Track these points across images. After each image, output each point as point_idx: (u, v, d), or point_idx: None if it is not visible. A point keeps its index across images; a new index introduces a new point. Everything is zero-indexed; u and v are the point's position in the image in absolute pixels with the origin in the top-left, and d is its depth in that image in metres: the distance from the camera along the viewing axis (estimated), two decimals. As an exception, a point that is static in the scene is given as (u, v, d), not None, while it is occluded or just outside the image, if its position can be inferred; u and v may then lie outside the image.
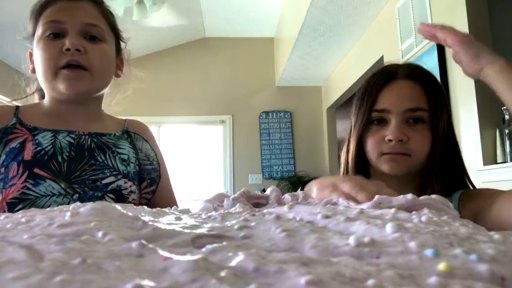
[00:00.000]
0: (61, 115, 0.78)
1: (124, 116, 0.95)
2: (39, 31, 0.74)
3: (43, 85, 0.77)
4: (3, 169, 0.70)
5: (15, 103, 0.85)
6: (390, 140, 0.71)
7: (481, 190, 0.73)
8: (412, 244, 0.14)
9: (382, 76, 0.78)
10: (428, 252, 0.14)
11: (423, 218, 0.18)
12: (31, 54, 0.79)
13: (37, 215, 0.22)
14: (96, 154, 0.76)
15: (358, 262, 0.14)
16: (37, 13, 0.76)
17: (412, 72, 0.77)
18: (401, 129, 0.71)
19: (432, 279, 0.12)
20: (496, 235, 0.16)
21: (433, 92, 0.75)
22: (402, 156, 0.71)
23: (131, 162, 0.80)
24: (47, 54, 0.72)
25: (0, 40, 4.12)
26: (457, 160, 0.77)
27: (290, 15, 3.79)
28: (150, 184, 0.83)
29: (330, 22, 3.16)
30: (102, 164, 0.76)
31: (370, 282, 0.12)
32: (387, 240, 0.15)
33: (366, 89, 0.79)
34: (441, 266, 0.13)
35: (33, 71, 0.79)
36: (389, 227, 0.16)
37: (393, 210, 0.20)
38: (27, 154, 0.71)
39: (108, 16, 0.81)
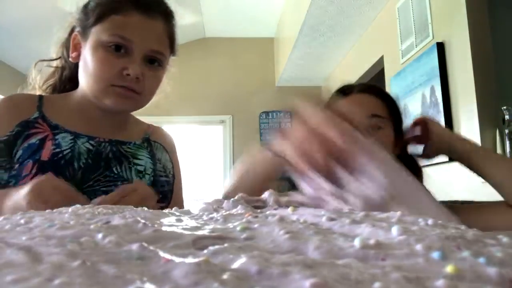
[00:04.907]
0: (87, 117, 0.76)
1: None
2: (102, 35, 0.69)
3: (86, 87, 0.73)
4: (17, 165, 0.67)
5: (38, 92, 0.81)
6: None
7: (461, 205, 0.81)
8: (419, 247, 0.14)
9: (339, 92, 0.87)
10: (435, 254, 0.13)
11: (430, 222, 0.17)
12: (75, 38, 0.74)
13: (36, 217, 0.21)
14: (112, 165, 0.74)
15: (363, 264, 0.14)
16: (105, 10, 0.70)
17: (366, 88, 0.86)
18: None
19: (440, 282, 0.12)
20: (504, 238, 0.16)
21: (390, 102, 0.85)
22: None
23: (147, 174, 0.78)
24: (104, 68, 0.69)
25: (1, 41, 4.13)
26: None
27: (290, 15, 3.79)
28: (161, 200, 0.78)
29: (330, 22, 3.16)
30: (117, 176, 0.73)
31: (376, 285, 0.12)
32: (393, 242, 0.15)
33: (326, 106, 0.87)
34: (449, 268, 0.12)
35: (76, 59, 0.74)
36: (395, 230, 0.16)
37: (398, 213, 0.20)
38: (45, 154, 0.68)
39: (172, 35, 0.78)
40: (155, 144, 0.85)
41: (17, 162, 0.67)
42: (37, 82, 0.83)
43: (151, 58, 0.73)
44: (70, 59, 0.75)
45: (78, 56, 0.74)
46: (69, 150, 0.71)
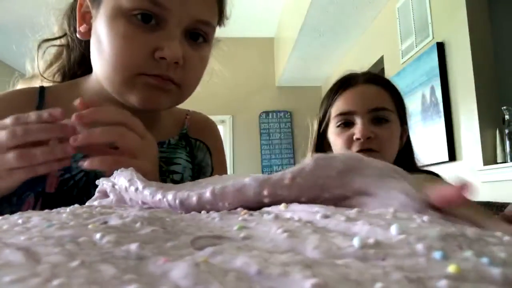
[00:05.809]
0: None
1: None
2: None
3: (102, 77, 0.52)
4: (15, 198, 0.48)
5: (37, 84, 0.60)
6: (358, 139, 0.77)
7: None
8: (420, 246, 0.14)
9: (343, 82, 0.84)
10: (437, 254, 0.13)
11: (425, 218, 0.17)
12: (81, 5, 0.54)
13: (33, 217, 0.21)
14: None
15: (363, 264, 0.14)
16: None
17: (372, 77, 0.84)
18: (367, 127, 0.77)
19: (442, 282, 0.12)
20: (506, 237, 0.16)
21: (395, 93, 0.84)
22: (372, 153, 0.76)
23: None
24: (128, 49, 0.48)
25: (2, 40, 4.12)
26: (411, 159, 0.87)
27: (290, 15, 3.79)
28: None
29: (330, 22, 3.16)
30: None
31: (377, 285, 0.12)
32: (393, 241, 0.15)
33: (327, 96, 0.86)
34: (451, 268, 0.12)
35: (85, 36, 0.54)
36: (394, 228, 0.16)
37: (392, 209, 0.20)
38: (50, 184, 0.49)
39: (222, 1, 0.59)
40: (196, 142, 0.67)
41: (14, 194, 0.47)
42: (37, 70, 0.62)
43: (194, 32, 0.53)
44: (78, 35, 0.54)
45: (89, 31, 0.53)
46: (81, 174, 0.51)
